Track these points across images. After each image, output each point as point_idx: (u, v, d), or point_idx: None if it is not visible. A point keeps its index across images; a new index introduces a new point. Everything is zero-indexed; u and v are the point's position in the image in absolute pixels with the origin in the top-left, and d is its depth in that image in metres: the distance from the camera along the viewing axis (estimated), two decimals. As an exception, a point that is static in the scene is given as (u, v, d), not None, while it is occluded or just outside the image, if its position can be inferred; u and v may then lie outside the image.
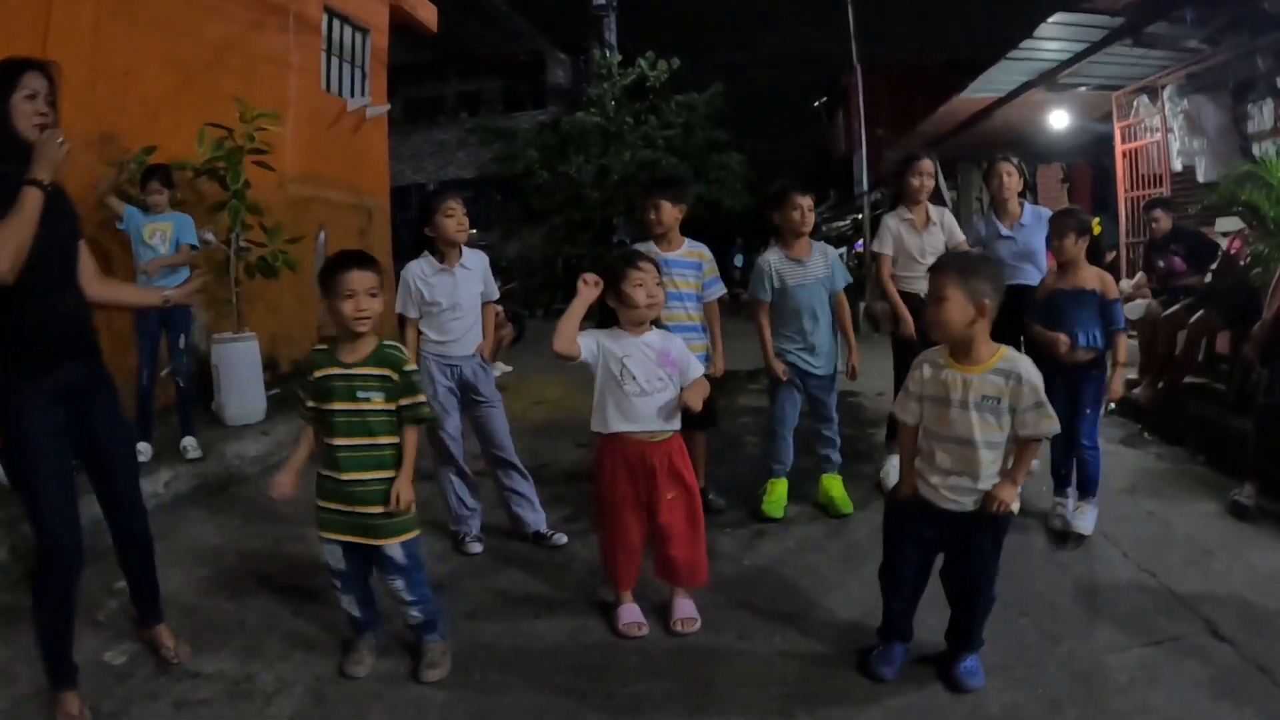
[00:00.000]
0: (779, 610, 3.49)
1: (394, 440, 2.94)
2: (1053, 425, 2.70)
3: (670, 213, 4.36)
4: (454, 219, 4.08)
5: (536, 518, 4.40)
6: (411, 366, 3.00)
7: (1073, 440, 4.18)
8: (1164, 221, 6.97)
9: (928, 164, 4.98)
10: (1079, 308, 4.11)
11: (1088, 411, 4.17)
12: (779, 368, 4.52)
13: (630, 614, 3.36)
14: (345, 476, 2.90)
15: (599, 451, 3.40)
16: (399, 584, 3.01)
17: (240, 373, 6.46)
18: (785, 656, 3.11)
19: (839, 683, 2.92)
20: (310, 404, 2.96)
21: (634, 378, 3.22)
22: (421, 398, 2.98)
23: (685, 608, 3.38)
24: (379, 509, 2.90)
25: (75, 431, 2.80)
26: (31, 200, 2.52)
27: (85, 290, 2.90)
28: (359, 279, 2.87)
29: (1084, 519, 4.14)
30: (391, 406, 2.92)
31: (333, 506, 2.95)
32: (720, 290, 4.52)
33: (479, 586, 3.83)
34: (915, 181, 4.94)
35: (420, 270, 4.12)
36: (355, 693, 2.94)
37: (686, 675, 3.01)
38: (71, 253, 2.83)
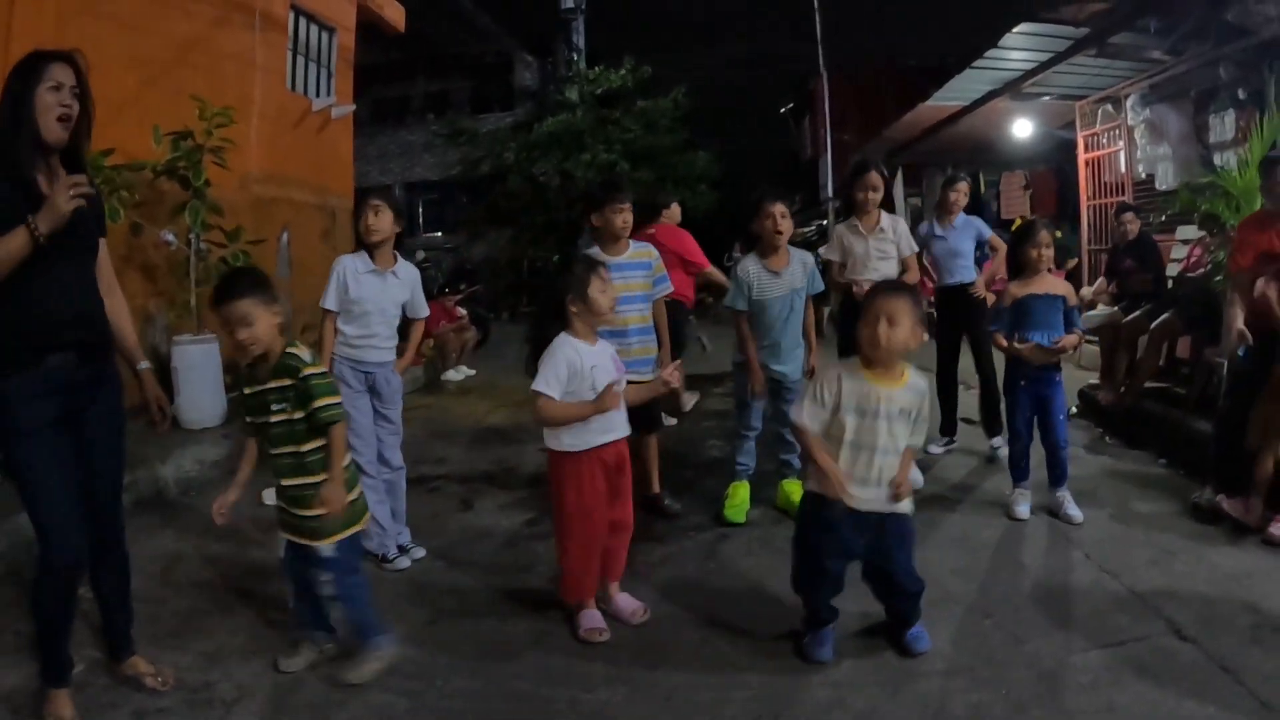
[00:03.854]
0: (743, 614, 3.47)
1: (319, 444, 2.94)
2: (923, 439, 3.16)
3: (631, 215, 4.39)
4: (379, 217, 4.02)
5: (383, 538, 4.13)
6: (309, 371, 2.92)
7: (1047, 441, 4.51)
8: (1133, 226, 7.05)
9: (874, 178, 5.11)
10: (1049, 312, 4.38)
11: (1061, 417, 4.49)
12: (760, 381, 4.48)
13: (591, 619, 3.33)
14: (284, 482, 2.99)
15: (567, 466, 3.29)
16: (325, 578, 3.01)
17: (200, 375, 6.35)
18: (749, 661, 3.10)
19: (802, 688, 2.91)
20: (248, 419, 3.04)
21: (604, 385, 3.21)
22: (324, 400, 2.90)
23: (628, 601, 3.47)
24: (311, 511, 2.93)
25: (68, 428, 2.70)
26: (17, 241, 2.45)
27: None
28: (230, 312, 2.85)
29: (1075, 508, 4.42)
30: (303, 414, 2.91)
31: (280, 506, 3.04)
32: (668, 288, 4.51)
33: (441, 592, 3.79)
34: (861, 195, 5.11)
35: (352, 266, 4.05)
36: (316, 701, 2.89)
37: (649, 681, 2.99)
38: (84, 246, 2.75)
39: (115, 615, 3.01)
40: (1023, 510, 4.47)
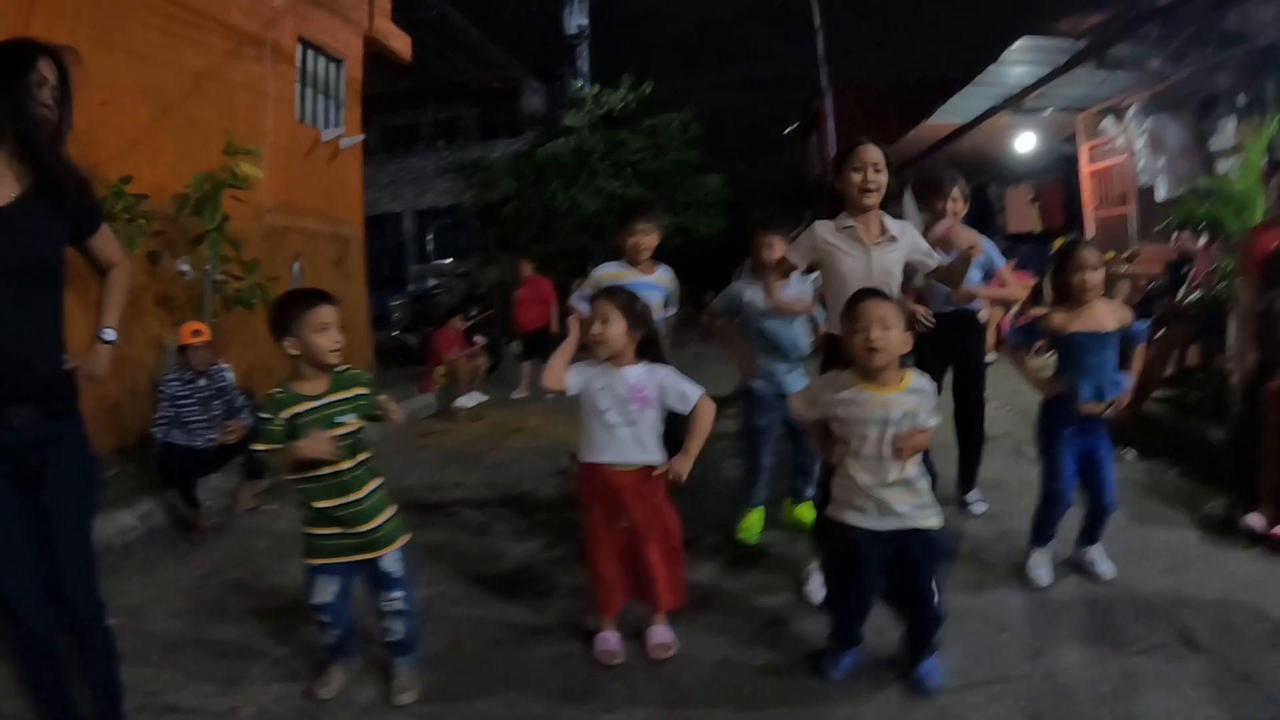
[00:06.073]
0: (759, 634, 3.48)
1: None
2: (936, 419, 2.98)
3: (655, 238, 4.43)
4: None
5: None
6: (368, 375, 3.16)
7: (1096, 504, 3.79)
8: (1190, 245, 7.02)
9: (871, 151, 3.51)
10: (1101, 352, 3.65)
11: (1112, 475, 3.78)
12: (748, 360, 4.49)
13: (605, 641, 3.34)
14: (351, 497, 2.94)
15: (580, 479, 3.43)
16: (396, 594, 3.02)
17: (217, 405, 6.38)
18: (765, 681, 3.11)
19: (819, 704, 2.92)
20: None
21: (606, 409, 3.24)
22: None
23: (659, 634, 3.35)
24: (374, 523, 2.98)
25: (22, 490, 2.32)
26: None
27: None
28: (330, 313, 3.02)
29: (1107, 563, 3.81)
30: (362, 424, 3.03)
31: (326, 531, 2.96)
32: (672, 310, 4.56)
33: (460, 615, 3.80)
34: (856, 177, 3.49)
35: None
36: (337, 724, 2.92)
37: (668, 701, 3.00)
38: (24, 277, 2.28)
39: (99, 700, 2.55)
40: (1046, 574, 3.77)
